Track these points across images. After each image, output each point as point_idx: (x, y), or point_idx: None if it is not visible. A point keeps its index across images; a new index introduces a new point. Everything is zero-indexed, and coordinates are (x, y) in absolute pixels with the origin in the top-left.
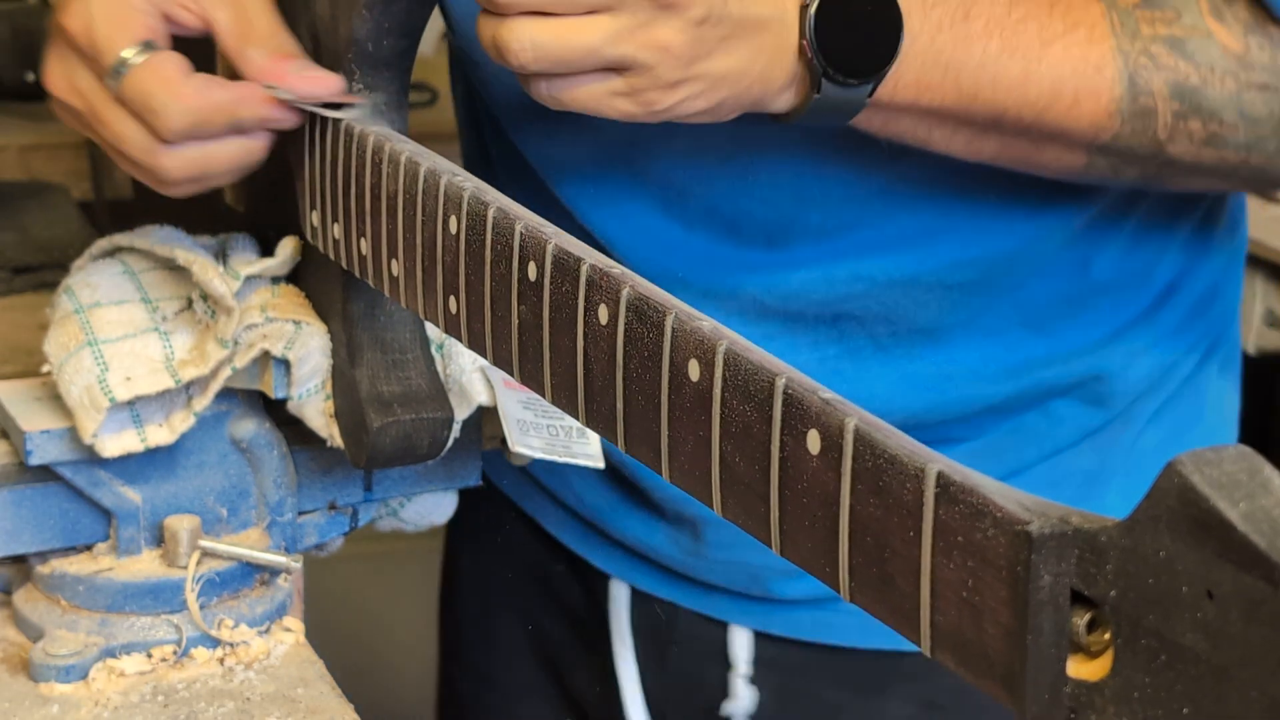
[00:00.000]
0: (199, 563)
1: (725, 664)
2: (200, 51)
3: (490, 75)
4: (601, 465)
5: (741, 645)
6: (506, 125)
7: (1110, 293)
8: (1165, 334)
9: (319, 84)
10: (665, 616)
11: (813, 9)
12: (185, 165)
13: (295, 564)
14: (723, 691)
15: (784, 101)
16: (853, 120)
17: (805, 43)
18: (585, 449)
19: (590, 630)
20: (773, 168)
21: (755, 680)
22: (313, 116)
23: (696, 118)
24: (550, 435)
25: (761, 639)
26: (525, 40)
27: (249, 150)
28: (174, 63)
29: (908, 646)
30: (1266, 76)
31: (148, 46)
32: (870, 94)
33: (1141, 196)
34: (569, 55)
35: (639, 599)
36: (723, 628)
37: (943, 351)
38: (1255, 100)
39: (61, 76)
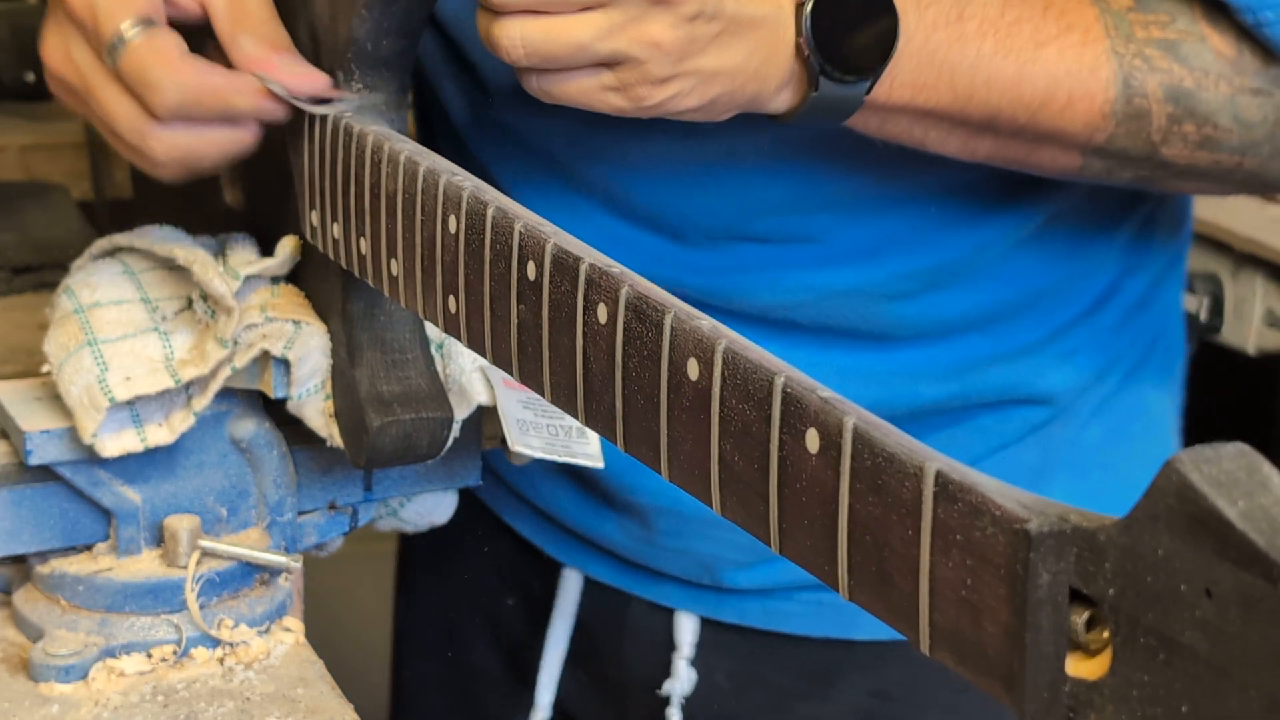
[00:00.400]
0: (199, 563)
1: (670, 646)
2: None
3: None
4: (601, 465)
5: (687, 629)
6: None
7: (1050, 296)
8: (1104, 331)
9: (306, 80)
10: (615, 605)
11: (808, 7)
12: (174, 147)
13: (295, 564)
14: (664, 671)
15: (781, 101)
16: (849, 121)
17: (802, 41)
18: (585, 449)
19: (538, 614)
20: (721, 180)
21: (696, 663)
22: (310, 115)
23: (690, 115)
24: (550, 435)
25: (709, 625)
26: (516, 37)
27: (238, 140)
28: (172, 40)
29: (858, 636)
30: (1260, 81)
31: (148, 23)
32: (867, 92)
33: (1082, 204)
34: (559, 51)
35: (591, 587)
36: (670, 614)
37: (886, 351)
38: (1249, 104)
39: (58, 50)
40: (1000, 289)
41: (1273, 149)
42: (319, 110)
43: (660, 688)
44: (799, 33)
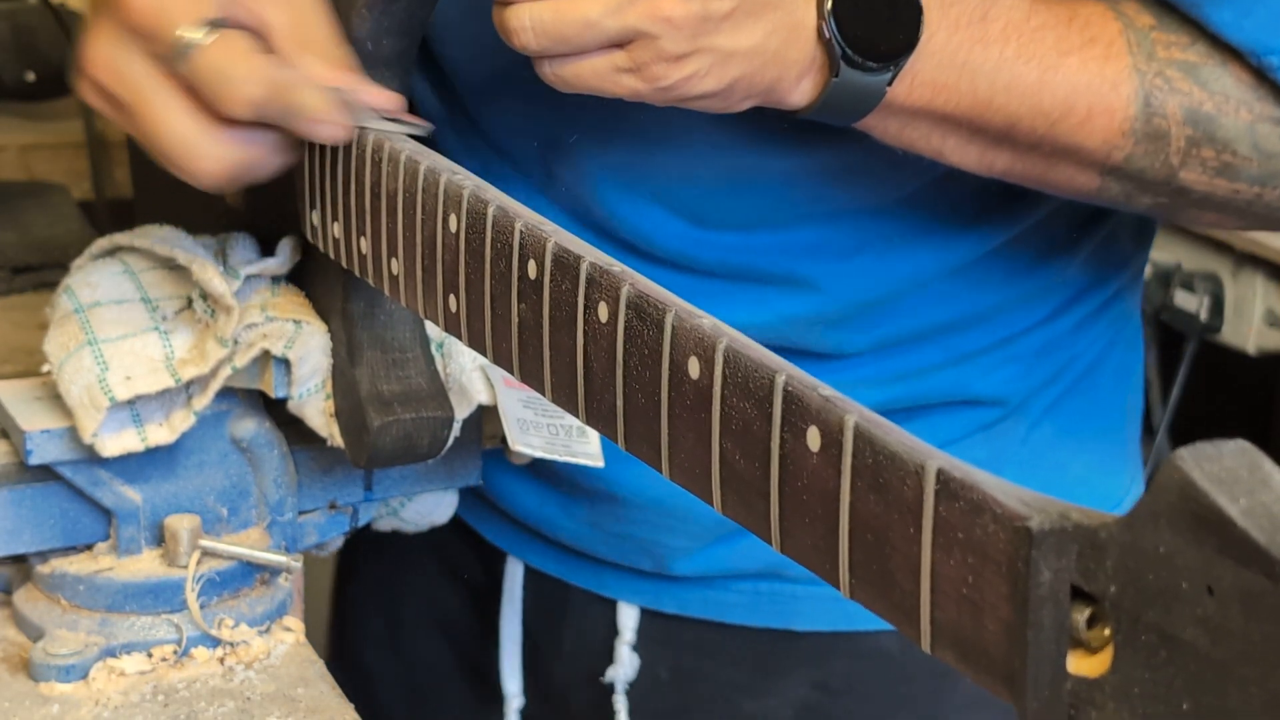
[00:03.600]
0: (199, 562)
1: (612, 633)
2: None
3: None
4: (602, 464)
5: (629, 617)
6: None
7: (1008, 309)
8: (1060, 336)
9: (381, 98)
10: (557, 595)
11: None
12: (227, 155)
13: (295, 563)
14: (607, 659)
15: (801, 92)
16: (868, 124)
17: (823, 23)
18: (585, 448)
19: (485, 603)
20: (673, 198)
21: (639, 649)
22: None
23: (708, 102)
24: (550, 434)
25: (650, 616)
26: (525, 19)
27: (290, 151)
28: (246, 39)
29: (800, 627)
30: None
31: (219, 24)
32: (890, 82)
33: (1044, 222)
34: (569, 30)
35: (532, 576)
36: (612, 605)
37: (833, 362)
38: (1270, 134)
39: (106, 57)
40: (955, 307)
41: None
42: (390, 129)
43: (604, 675)
44: (820, 15)
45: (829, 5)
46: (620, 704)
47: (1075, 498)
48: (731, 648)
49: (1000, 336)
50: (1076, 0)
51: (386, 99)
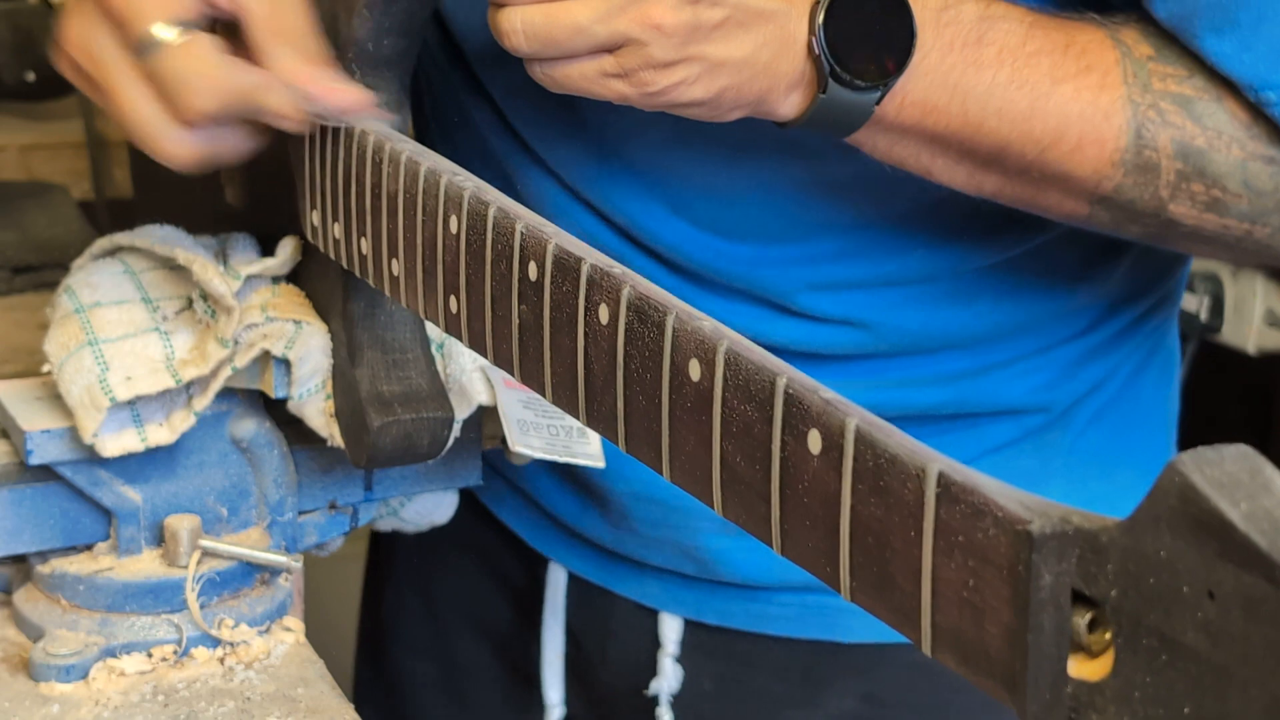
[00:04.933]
0: (199, 562)
1: (655, 644)
2: None
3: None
4: (602, 465)
5: (672, 628)
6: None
7: (1045, 320)
8: (1104, 343)
9: (347, 97)
10: (600, 605)
11: (823, 6)
12: (192, 149)
13: (295, 564)
14: (651, 670)
15: (790, 104)
16: (857, 139)
17: (813, 39)
18: (586, 449)
19: (527, 607)
20: (688, 205)
21: (682, 660)
22: None
23: (696, 110)
24: (551, 435)
25: (693, 627)
26: (517, 22)
27: (255, 142)
28: (211, 45)
29: (846, 638)
30: (1274, 150)
31: (186, 25)
32: (878, 101)
33: (1077, 233)
34: (559, 34)
35: (575, 583)
36: (654, 615)
37: (867, 364)
38: (1260, 172)
39: (81, 37)
40: (990, 318)
41: None
42: (354, 124)
43: (647, 688)
44: (811, 30)
45: (820, 20)
46: (666, 716)
47: (1127, 505)
48: (776, 659)
49: (1038, 346)
50: (1076, 26)
51: (353, 99)
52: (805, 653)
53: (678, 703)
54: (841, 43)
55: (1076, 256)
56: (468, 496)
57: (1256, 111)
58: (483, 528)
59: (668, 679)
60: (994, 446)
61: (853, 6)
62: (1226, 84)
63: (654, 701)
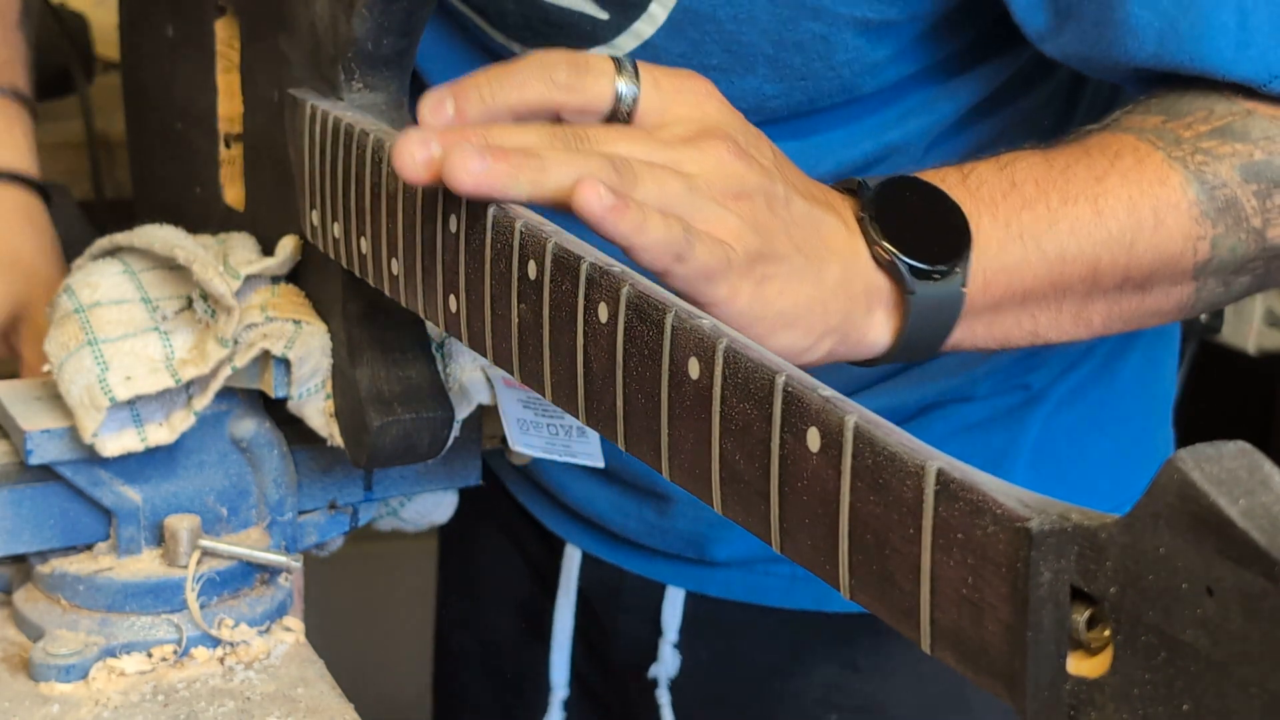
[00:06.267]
0: (199, 562)
1: (657, 630)
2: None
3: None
4: (602, 464)
5: (673, 612)
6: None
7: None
8: None
9: None
10: (610, 583)
11: (871, 216)
12: None
13: (295, 563)
14: (652, 655)
15: (878, 327)
16: (959, 337)
17: (878, 249)
18: (586, 448)
19: (549, 585)
20: None
21: (681, 646)
22: (311, 114)
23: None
24: (550, 434)
25: (696, 601)
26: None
27: None
28: None
29: (829, 607)
30: None
31: None
32: (964, 284)
33: None
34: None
35: (590, 562)
36: (660, 589)
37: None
38: None
39: None
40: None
41: None
42: None
43: (647, 670)
44: (870, 241)
45: (875, 226)
46: (663, 698)
47: (1096, 485)
48: (768, 630)
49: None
50: (1081, 135)
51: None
52: (795, 623)
53: (675, 684)
54: (903, 241)
55: None
56: (492, 474)
57: (1277, 100)
58: (508, 506)
59: (666, 665)
60: (963, 427)
61: (894, 206)
62: (1247, 97)
63: (653, 684)
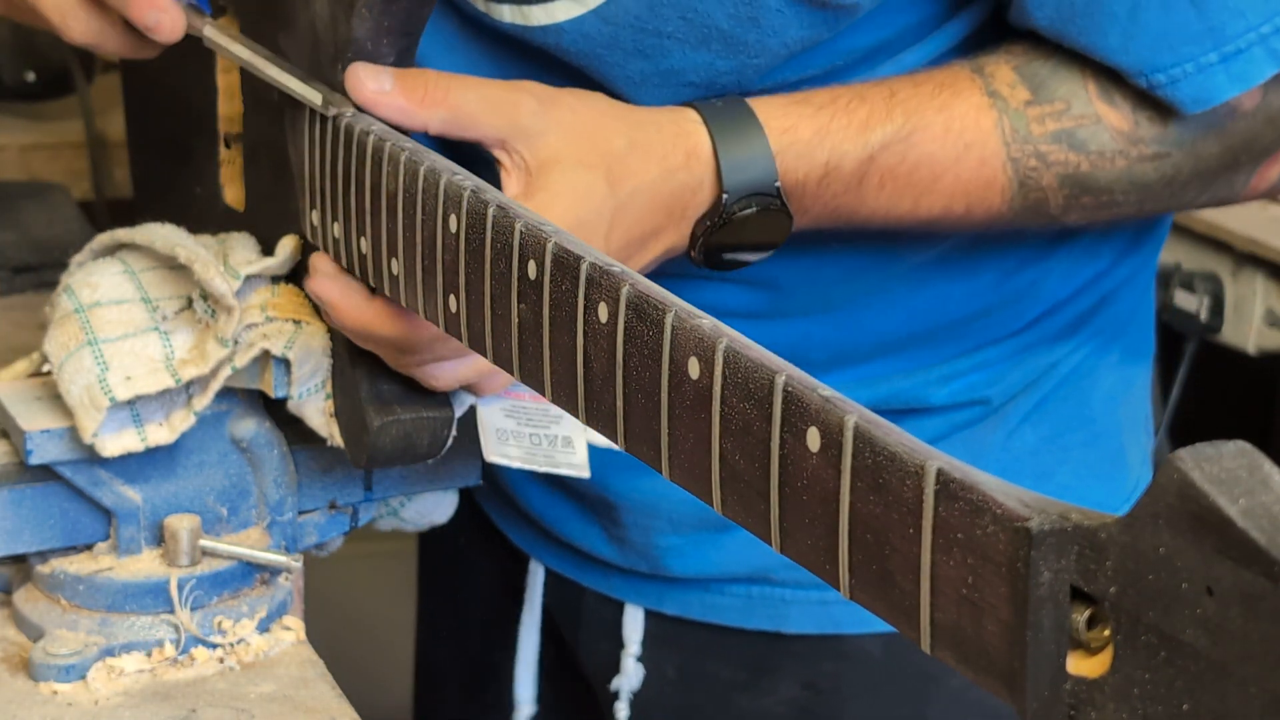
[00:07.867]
0: (199, 562)
1: (618, 643)
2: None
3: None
4: (588, 475)
5: (634, 626)
6: None
7: (981, 317)
8: (1046, 338)
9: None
10: (571, 600)
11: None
12: (86, 32)
13: (295, 563)
14: (614, 668)
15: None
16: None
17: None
18: (570, 459)
19: (519, 600)
20: None
21: (644, 659)
22: (310, 115)
23: None
24: (532, 444)
25: (655, 618)
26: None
27: (137, 48)
28: None
29: (790, 630)
30: (1156, 146)
31: None
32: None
33: (1009, 234)
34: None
35: (552, 579)
36: (619, 607)
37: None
38: (1146, 170)
39: None
40: (918, 319)
41: (1171, 193)
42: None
43: (610, 683)
44: (692, 246)
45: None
46: (623, 712)
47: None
48: (729, 649)
49: (974, 344)
50: (951, 94)
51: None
52: (754, 643)
53: (637, 700)
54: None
55: (1000, 258)
56: (466, 491)
57: (1137, 116)
58: (481, 521)
59: (628, 677)
60: (928, 440)
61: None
62: (1104, 99)
63: (614, 697)
